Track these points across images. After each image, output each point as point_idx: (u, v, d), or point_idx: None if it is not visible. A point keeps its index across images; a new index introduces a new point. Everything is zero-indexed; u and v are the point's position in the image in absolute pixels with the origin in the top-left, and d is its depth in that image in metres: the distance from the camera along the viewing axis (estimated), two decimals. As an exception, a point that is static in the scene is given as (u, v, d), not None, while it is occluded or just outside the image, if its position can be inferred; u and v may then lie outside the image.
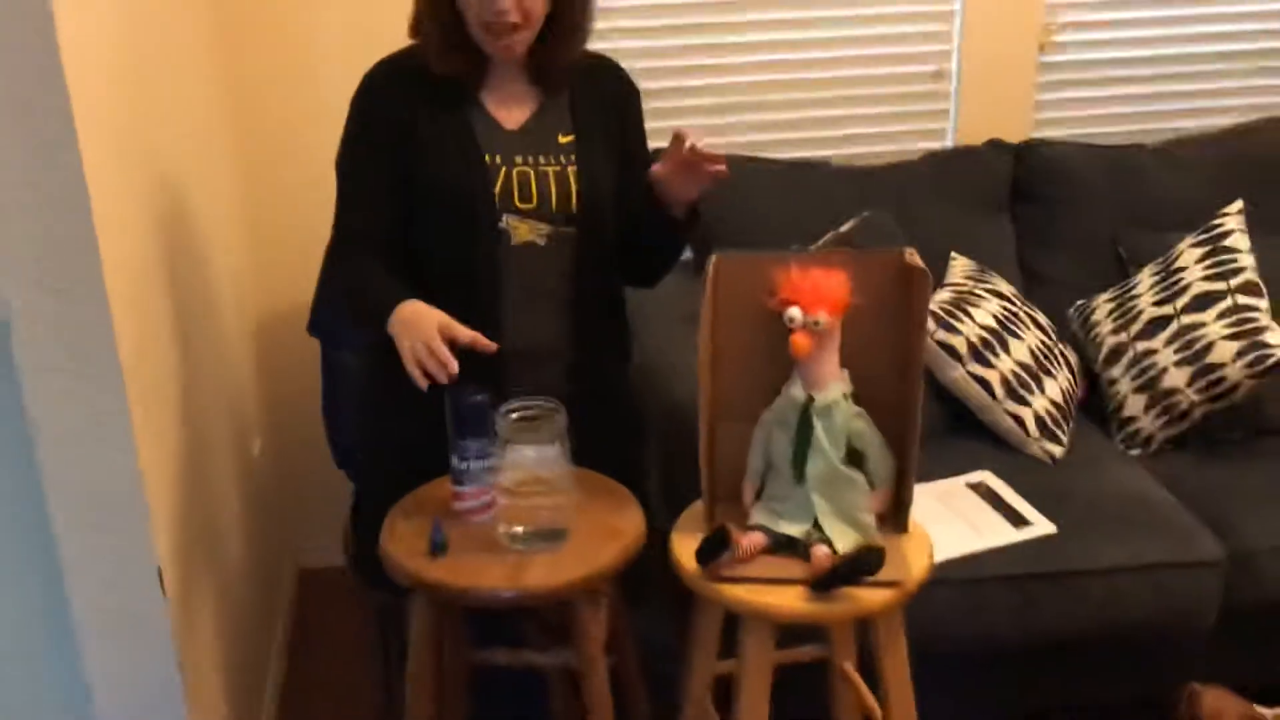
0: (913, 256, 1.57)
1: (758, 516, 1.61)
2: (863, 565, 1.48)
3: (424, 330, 1.63)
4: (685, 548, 1.61)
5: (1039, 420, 2.39)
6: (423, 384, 1.61)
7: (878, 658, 1.62)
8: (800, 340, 1.54)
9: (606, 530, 1.62)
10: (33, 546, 1.69)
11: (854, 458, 1.61)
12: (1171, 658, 2.25)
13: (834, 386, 1.58)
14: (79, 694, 1.78)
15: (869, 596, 1.52)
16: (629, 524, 1.64)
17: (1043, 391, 2.41)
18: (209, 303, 2.36)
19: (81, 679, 1.76)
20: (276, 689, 2.57)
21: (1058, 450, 2.38)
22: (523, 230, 1.81)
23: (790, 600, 1.52)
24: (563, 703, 2.28)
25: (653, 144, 1.99)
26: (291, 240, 2.78)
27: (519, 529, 1.57)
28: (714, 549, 1.53)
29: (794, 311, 1.55)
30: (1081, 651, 2.22)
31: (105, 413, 1.63)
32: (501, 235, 1.80)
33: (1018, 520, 2.16)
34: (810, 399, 1.57)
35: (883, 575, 1.51)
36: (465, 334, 1.64)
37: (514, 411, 1.58)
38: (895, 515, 1.65)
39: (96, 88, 1.60)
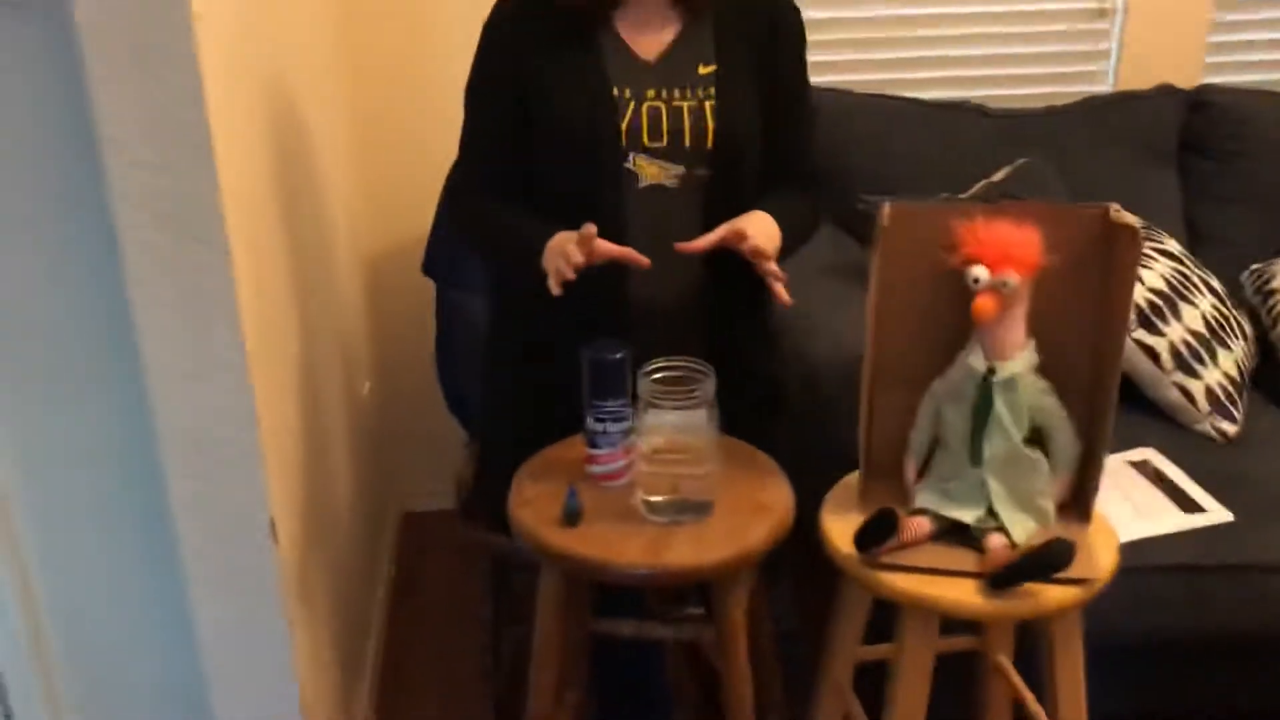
0: (1120, 213, 1.38)
1: (923, 498, 1.45)
2: (1050, 560, 1.32)
3: (563, 239, 1.54)
4: (839, 529, 1.46)
5: (1210, 394, 2.18)
6: (555, 290, 1.51)
7: (1050, 659, 1.46)
8: (984, 303, 1.36)
9: (754, 505, 1.47)
10: (142, 492, 1.60)
11: (1035, 438, 1.44)
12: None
13: (1019, 357, 1.40)
14: (186, 646, 1.70)
15: (1052, 595, 1.35)
16: (778, 499, 1.49)
17: (1216, 363, 2.20)
18: (323, 238, 2.25)
19: (190, 631, 1.68)
20: (379, 641, 2.49)
21: (1231, 428, 2.17)
22: (651, 171, 1.65)
23: (962, 595, 1.36)
24: (681, 671, 2.16)
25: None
26: (404, 176, 2.66)
27: (659, 499, 1.43)
28: (878, 533, 1.38)
29: (979, 270, 1.37)
30: (1251, 653, 2.02)
31: (221, 354, 1.52)
32: (628, 176, 1.65)
33: (1189, 505, 1.97)
34: (991, 370, 1.40)
35: (1068, 572, 1.34)
36: (605, 243, 1.52)
37: (657, 371, 1.43)
38: (1077, 504, 1.48)
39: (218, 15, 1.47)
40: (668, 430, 1.42)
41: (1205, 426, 2.18)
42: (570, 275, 1.50)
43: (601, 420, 1.47)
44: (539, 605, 1.46)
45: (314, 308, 2.07)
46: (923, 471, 1.50)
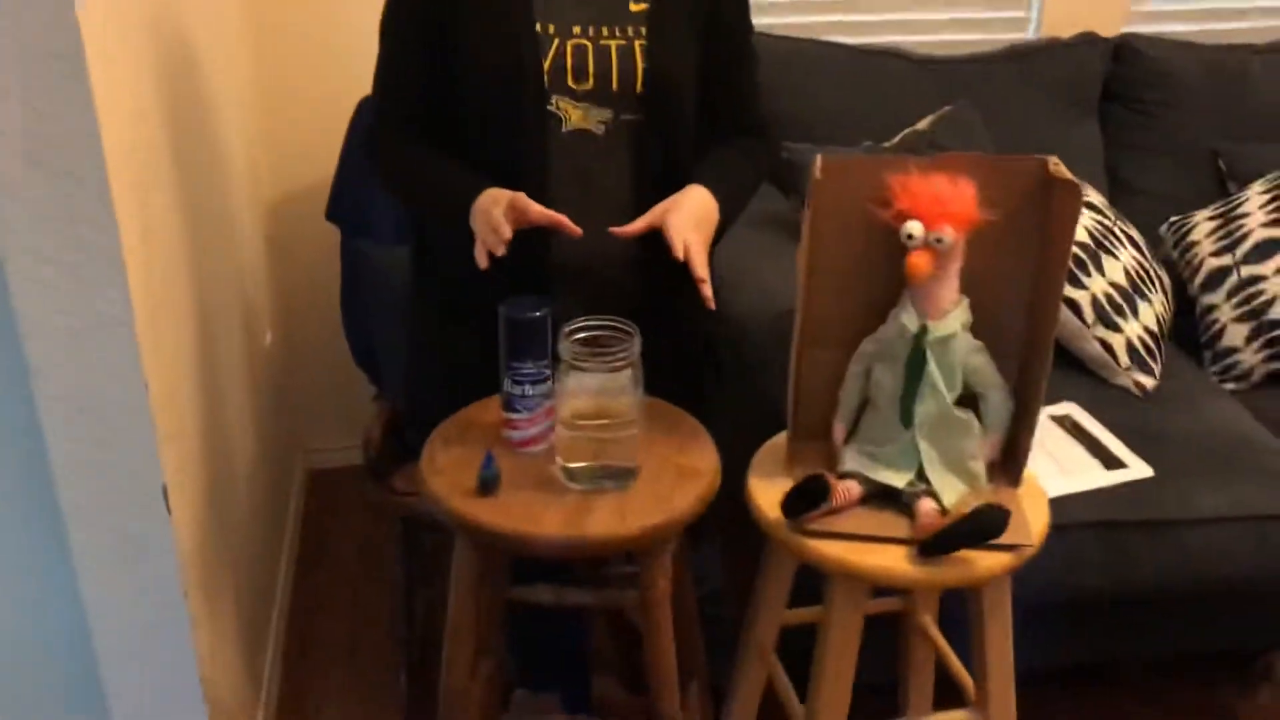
0: (1059, 167, 1.33)
1: (851, 461, 1.40)
2: (983, 528, 1.28)
3: (491, 202, 1.45)
4: (766, 493, 1.41)
5: (1130, 348, 2.17)
6: (482, 262, 1.42)
7: (978, 624, 1.43)
8: (918, 260, 1.31)
9: (679, 470, 1.41)
10: (21, 458, 1.49)
11: (965, 399, 1.40)
12: (1267, 614, 2.07)
13: (952, 316, 1.35)
14: (77, 619, 1.60)
15: (984, 562, 1.31)
16: (704, 463, 1.43)
17: (1136, 316, 2.19)
18: (220, 183, 2.12)
19: (80, 604, 1.58)
20: (285, 606, 2.40)
21: (1149, 382, 2.17)
22: (576, 115, 1.56)
23: (892, 562, 1.31)
24: (602, 633, 2.11)
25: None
26: (307, 119, 2.52)
27: (580, 465, 1.36)
28: (806, 500, 1.33)
29: (913, 226, 1.31)
30: (1169, 603, 2.04)
31: (104, 308, 1.41)
32: (550, 120, 1.55)
33: (1111, 461, 1.96)
34: (924, 329, 1.35)
35: (1000, 538, 1.31)
36: (537, 210, 1.43)
37: (578, 331, 1.36)
38: (1007, 465, 1.44)
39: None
40: (589, 394, 1.35)
41: (1125, 380, 2.17)
42: (500, 251, 1.41)
43: (519, 383, 1.39)
44: (453, 578, 1.39)
45: (210, 256, 1.95)
46: (851, 433, 1.45)
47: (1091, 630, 2.08)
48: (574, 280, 1.56)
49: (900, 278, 1.36)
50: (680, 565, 1.58)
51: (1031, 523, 1.37)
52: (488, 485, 1.33)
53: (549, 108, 1.54)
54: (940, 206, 1.31)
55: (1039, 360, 1.37)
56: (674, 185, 1.55)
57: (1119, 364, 2.17)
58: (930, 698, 1.75)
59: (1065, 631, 2.05)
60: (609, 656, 2.15)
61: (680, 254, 1.45)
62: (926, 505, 1.34)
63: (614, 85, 1.55)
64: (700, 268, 1.46)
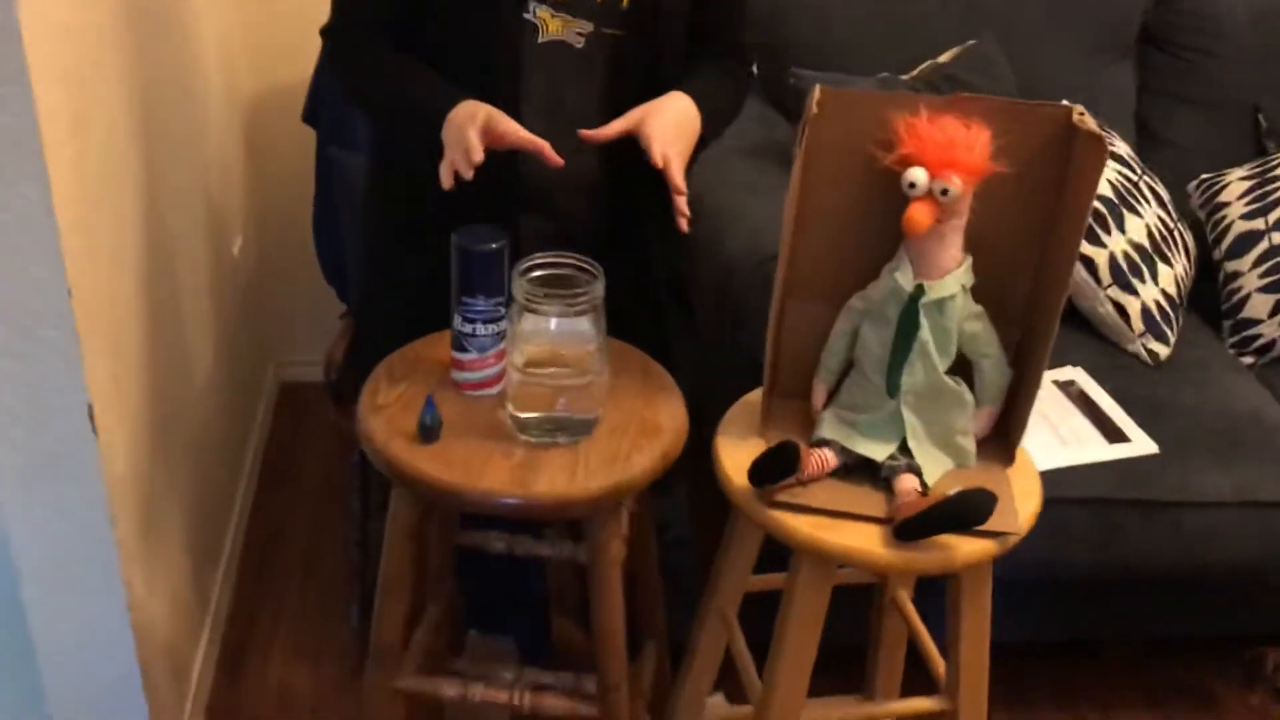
0: (1085, 118, 1.19)
1: (829, 428, 1.28)
2: (966, 514, 1.16)
3: (466, 118, 1.32)
4: (733, 457, 1.29)
5: (1146, 313, 2.04)
6: (446, 182, 1.30)
7: (955, 607, 1.33)
8: (918, 212, 1.17)
9: (641, 425, 1.29)
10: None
11: (958, 367, 1.27)
12: (1264, 603, 1.97)
13: (952, 276, 1.22)
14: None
15: (965, 548, 1.20)
16: (669, 418, 1.31)
17: (1155, 279, 2.05)
18: (186, 78, 1.98)
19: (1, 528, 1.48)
20: (243, 524, 2.30)
21: (1163, 350, 2.04)
22: (555, 26, 1.42)
23: (864, 542, 1.20)
24: (563, 574, 2.01)
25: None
26: (287, 13, 2.36)
27: (532, 415, 1.24)
28: (776, 468, 1.21)
29: (917, 173, 1.18)
30: (1160, 586, 1.93)
31: (23, 210, 1.29)
32: (525, 28, 1.42)
33: (1114, 434, 1.84)
34: (920, 290, 1.22)
35: (986, 524, 1.19)
36: (516, 133, 1.31)
37: (535, 269, 1.23)
38: (1000, 441, 1.32)
39: None
40: (545, 338, 1.22)
41: (1136, 346, 2.04)
42: (468, 174, 1.29)
43: (470, 320, 1.26)
44: (388, 528, 1.28)
45: (167, 155, 1.81)
46: (832, 396, 1.33)
47: (1076, 608, 1.98)
48: (538, 203, 1.44)
49: (898, 229, 1.22)
50: (642, 518, 1.47)
51: (1020, 507, 1.25)
52: (428, 432, 1.21)
53: (525, 15, 1.40)
54: (948, 153, 1.17)
55: (1044, 329, 1.25)
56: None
57: (1132, 329, 2.03)
58: (900, 675, 1.66)
59: (1048, 607, 1.96)
60: (569, 595, 2.05)
61: (659, 161, 1.34)
62: (906, 483, 1.23)
63: None
64: (678, 176, 1.34)
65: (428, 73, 1.44)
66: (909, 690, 1.67)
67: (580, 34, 1.42)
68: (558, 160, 1.32)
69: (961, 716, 1.36)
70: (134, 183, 1.63)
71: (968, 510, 1.16)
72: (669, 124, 1.37)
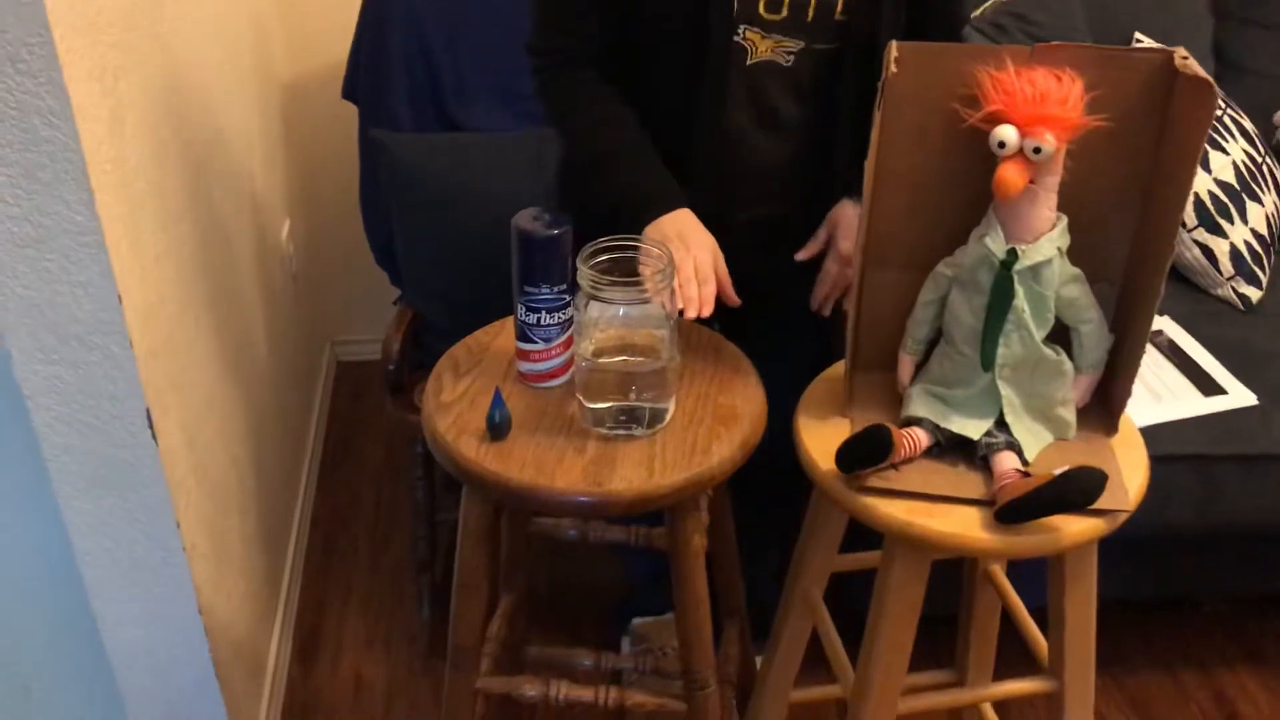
0: (1188, 62, 1.09)
1: (919, 405, 1.21)
2: (1076, 495, 1.09)
3: (703, 250, 1.29)
4: (817, 440, 1.22)
5: (1235, 254, 1.93)
6: (690, 313, 1.25)
7: (1058, 588, 1.25)
8: (1011, 173, 1.09)
9: (718, 412, 1.22)
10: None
11: (1055, 332, 1.19)
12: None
13: (1047, 239, 1.14)
14: (62, 555, 1.48)
15: (1072, 529, 1.13)
16: (746, 402, 1.24)
17: (1244, 219, 1.94)
18: (224, 58, 1.92)
19: (65, 540, 1.45)
20: (308, 509, 2.27)
21: (1254, 294, 1.94)
22: (765, 47, 1.36)
23: (964, 527, 1.13)
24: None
25: None
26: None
27: (603, 406, 1.18)
28: (866, 454, 1.14)
29: (1006, 132, 1.09)
30: (1259, 541, 1.84)
31: (65, 212, 1.24)
32: (736, 51, 1.35)
33: (1209, 387, 1.75)
34: (1013, 255, 1.13)
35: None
36: (725, 280, 1.31)
37: (600, 253, 1.16)
38: (1101, 410, 1.24)
39: None
40: (615, 323, 1.16)
41: (1226, 291, 1.94)
42: (707, 313, 1.26)
43: (534, 310, 1.20)
44: (461, 528, 1.23)
45: (205, 146, 1.76)
46: (919, 369, 1.25)
47: (1172, 565, 1.90)
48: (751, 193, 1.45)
49: (985, 191, 1.14)
50: (717, 496, 1.41)
51: (1129, 482, 1.17)
52: (497, 430, 1.16)
53: (735, 38, 1.34)
54: (1040, 109, 1.08)
55: (1147, 288, 1.16)
56: (860, 119, 1.33)
57: (1221, 273, 1.93)
58: (993, 651, 1.59)
59: (1143, 565, 1.87)
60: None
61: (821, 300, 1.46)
62: (1006, 462, 1.15)
63: (810, 14, 1.35)
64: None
65: (642, 142, 1.38)
66: (1002, 666, 1.61)
67: (790, 52, 1.37)
68: (734, 300, 1.31)
69: (1068, 699, 1.29)
70: (176, 176, 1.58)
71: (1077, 491, 1.08)
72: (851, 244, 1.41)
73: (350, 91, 2.02)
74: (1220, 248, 1.92)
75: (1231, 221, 1.93)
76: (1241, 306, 1.93)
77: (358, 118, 2.01)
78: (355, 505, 2.32)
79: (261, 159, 2.15)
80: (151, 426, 1.39)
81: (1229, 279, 1.93)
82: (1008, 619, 1.47)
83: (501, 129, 1.94)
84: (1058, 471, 1.09)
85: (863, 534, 1.27)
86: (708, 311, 1.23)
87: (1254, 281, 1.93)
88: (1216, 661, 1.99)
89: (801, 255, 1.45)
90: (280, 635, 1.95)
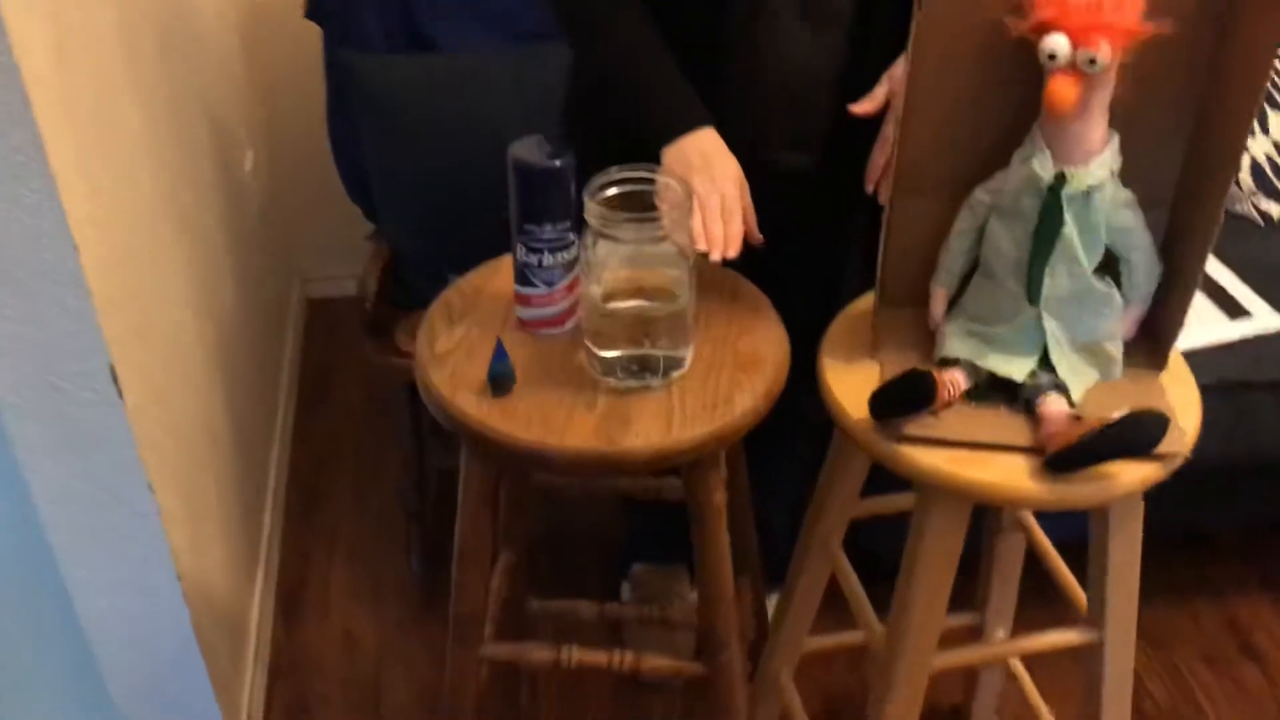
0: (1260, -42, 0.98)
1: (956, 344, 1.11)
2: (1136, 442, 1.00)
3: (729, 182, 1.15)
4: (845, 383, 1.13)
5: (1255, 168, 1.84)
6: (716, 254, 1.13)
7: (1101, 535, 1.18)
8: (1063, 87, 0.98)
9: (737, 357, 1.12)
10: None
11: (1105, 264, 1.09)
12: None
13: (1098, 161, 1.04)
14: (28, 523, 1.37)
15: (1126, 477, 1.04)
16: (768, 346, 1.14)
17: (1265, 130, 1.85)
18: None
19: (31, 507, 1.35)
20: (285, 456, 2.17)
21: (1275, 209, 1.85)
22: None
23: (1010, 477, 1.04)
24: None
25: None
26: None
27: (614, 354, 1.07)
28: (904, 402, 1.05)
29: (1057, 42, 0.98)
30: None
31: (10, 156, 1.11)
32: None
33: (1234, 309, 1.67)
34: (1061, 178, 1.03)
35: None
36: (750, 211, 1.17)
37: (609, 185, 1.05)
38: (1149, 344, 1.15)
39: None
40: (626, 263, 1.05)
41: (1246, 207, 1.85)
42: (733, 254, 1.14)
43: (535, 250, 1.09)
44: (461, 490, 1.13)
45: (158, 77, 1.62)
46: (952, 304, 1.16)
47: (1191, 496, 1.82)
48: (777, 113, 1.29)
49: (1027, 109, 1.04)
50: (734, 445, 1.32)
51: (1183, 422, 1.09)
52: (499, 384, 1.05)
53: None
54: (1095, 16, 0.97)
55: (1204, 214, 1.07)
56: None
57: (1240, 186, 1.84)
58: (1015, 596, 1.52)
59: (1161, 498, 1.80)
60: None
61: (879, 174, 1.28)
62: (1054, 406, 1.06)
63: None
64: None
65: (663, 51, 1.23)
66: (1024, 610, 1.55)
67: None
68: (757, 238, 1.18)
69: (1109, 651, 1.22)
70: (131, 112, 1.44)
71: (1139, 437, 1.00)
72: None
73: (314, 9, 1.87)
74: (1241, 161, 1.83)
75: (1252, 133, 1.83)
76: (1262, 223, 1.85)
77: (323, 39, 1.86)
78: (336, 451, 2.22)
79: (220, 88, 2.01)
80: (116, 382, 1.28)
81: (1249, 194, 1.84)
82: (1030, 559, 1.41)
83: (479, 48, 1.81)
84: (1116, 415, 1.01)
85: (880, 475, 1.19)
86: (734, 253, 1.12)
87: (1275, 196, 1.85)
88: (1230, 590, 1.94)
89: (858, 108, 1.26)
90: (263, 592, 1.86)
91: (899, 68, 1.29)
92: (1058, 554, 1.34)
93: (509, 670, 1.62)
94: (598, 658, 1.22)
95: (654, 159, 1.16)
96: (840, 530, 1.36)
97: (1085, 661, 1.26)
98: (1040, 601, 1.41)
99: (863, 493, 1.33)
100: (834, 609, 1.43)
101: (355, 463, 2.19)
